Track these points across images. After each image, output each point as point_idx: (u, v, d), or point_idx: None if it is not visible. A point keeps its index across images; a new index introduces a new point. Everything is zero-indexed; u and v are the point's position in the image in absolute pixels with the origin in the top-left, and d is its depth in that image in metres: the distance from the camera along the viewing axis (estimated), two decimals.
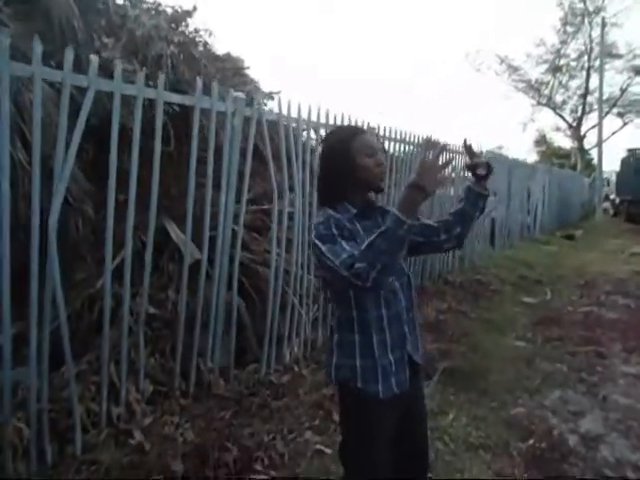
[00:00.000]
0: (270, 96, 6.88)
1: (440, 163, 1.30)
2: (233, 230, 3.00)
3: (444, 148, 1.35)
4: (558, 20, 23.90)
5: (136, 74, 3.70)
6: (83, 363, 2.55)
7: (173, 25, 4.89)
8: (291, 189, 3.46)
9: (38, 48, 2.08)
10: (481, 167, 1.60)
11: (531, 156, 27.34)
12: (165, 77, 2.48)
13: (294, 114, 3.30)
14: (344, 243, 1.36)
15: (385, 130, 4.47)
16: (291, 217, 3.46)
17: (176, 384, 2.85)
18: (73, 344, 2.76)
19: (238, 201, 2.98)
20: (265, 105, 6.89)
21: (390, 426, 1.53)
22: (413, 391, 1.59)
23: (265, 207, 3.69)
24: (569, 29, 24.05)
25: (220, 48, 6.75)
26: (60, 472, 2.22)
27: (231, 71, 6.47)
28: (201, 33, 6.11)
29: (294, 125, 3.26)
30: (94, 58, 2.17)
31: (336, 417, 2.83)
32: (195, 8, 4.97)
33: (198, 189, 2.83)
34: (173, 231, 3.38)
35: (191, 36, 6.14)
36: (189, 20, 5.02)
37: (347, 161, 1.47)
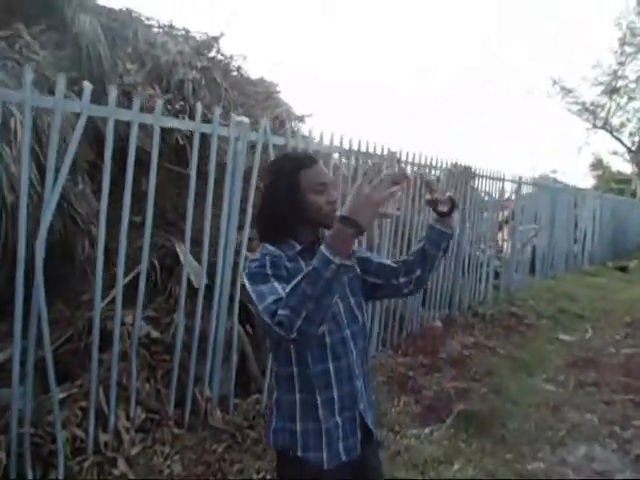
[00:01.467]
0: (301, 119, 6.93)
1: (380, 194, 1.08)
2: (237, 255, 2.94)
3: (391, 178, 1.09)
4: (616, 40, 22.92)
5: (155, 99, 3.81)
6: (75, 387, 2.53)
7: (204, 50, 5.02)
8: None
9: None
10: (443, 203, 1.44)
11: (587, 180, 26.02)
12: (161, 102, 2.54)
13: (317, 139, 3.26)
14: (276, 285, 1.20)
15: (408, 155, 4.32)
16: None
17: (170, 412, 2.79)
18: (72, 366, 2.79)
19: (241, 227, 2.92)
20: (296, 128, 6.96)
21: None
22: (365, 459, 1.40)
23: None
24: (628, 49, 23.00)
25: (254, 72, 6.86)
26: None
27: (263, 95, 6.55)
28: (235, 58, 6.27)
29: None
30: (87, 85, 2.18)
31: None
32: (222, 34, 5.07)
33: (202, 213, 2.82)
34: (182, 253, 3.37)
35: (225, 61, 6.32)
36: (218, 45, 5.13)
37: (295, 198, 1.32)
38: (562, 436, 3.02)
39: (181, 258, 3.31)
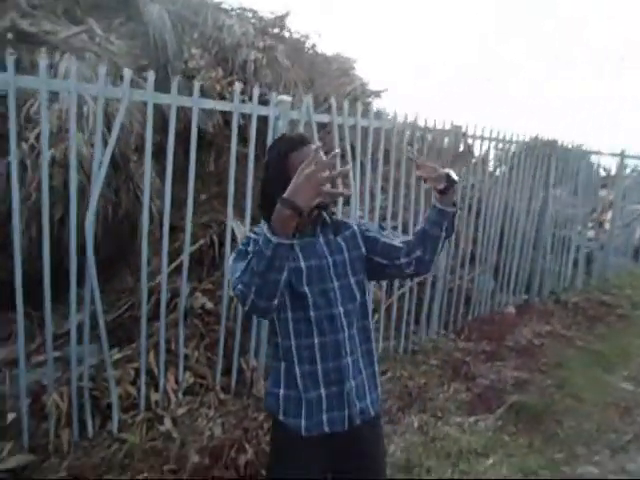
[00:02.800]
0: (378, 94, 6.76)
1: (325, 173, 1.07)
2: None
3: (335, 155, 1.10)
4: None
5: (220, 81, 3.94)
6: (130, 349, 2.80)
7: (271, 30, 5.08)
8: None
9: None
10: (436, 180, 1.35)
11: None
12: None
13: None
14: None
15: (476, 129, 4.03)
16: None
17: (217, 379, 2.97)
18: (133, 331, 3.08)
19: None
20: (370, 103, 6.81)
21: (317, 470, 1.39)
22: (359, 434, 1.40)
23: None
24: None
25: (331, 49, 6.80)
26: (95, 445, 2.48)
27: (338, 72, 6.49)
28: (308, 36, 6.26)
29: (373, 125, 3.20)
30: (127, 72, 2.33)
31: None
32: (288, 13, 5.07)
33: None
34: (238, 230, 3.53)
35: (295, 39, 6.34)
36: (285, 24, 5.14)
37: (283, 179, 1.29)
38: (627, 441, 2.72)
39: (236, 234, 3.48)
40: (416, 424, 2.85)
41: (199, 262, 3.67)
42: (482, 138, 4.09)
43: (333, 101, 3.04)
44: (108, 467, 2.35)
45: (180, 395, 2.82)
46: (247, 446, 2.57)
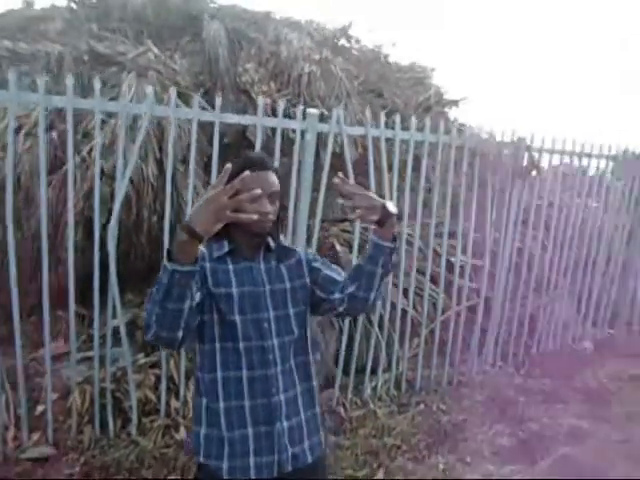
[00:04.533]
0: (455, 103, 6.43)
1: (221, 198, 0.99)
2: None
3: (242, 179, 1.01)
4: None
5: (268, 96, 3.98)
6: (155, 356, 2.89)
7: (336, 41, 5.05)
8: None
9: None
10: (370, 211, 1.18)
11: None
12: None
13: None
14: None
15: (544, 141, 3.61)
16: None
17: None
18: None
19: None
20: (447, 112, 6.48)
21: None
22: None
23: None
24: None
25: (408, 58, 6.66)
26: (112, 445, 2.59)
27: (411, 81, 6.29)
28: (381, 46, 6.15)
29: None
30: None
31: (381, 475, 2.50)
32: (350, 24, 5.00)
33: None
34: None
35: (375, 49, 6.24)
36: (348, 35, 5.08)
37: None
38: None
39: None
40: (441, 466, 2.59)
41: None
42: (552, 151, 3.66)
43: (368, 113, 2.90)
44: (117, 468, 2.43)
45: None
46: None
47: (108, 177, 3.21)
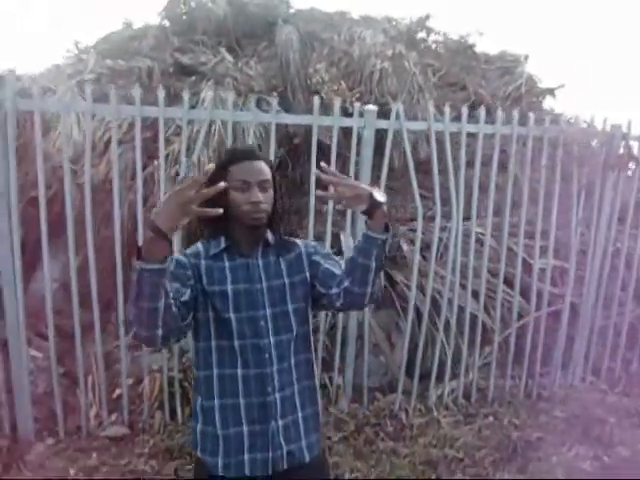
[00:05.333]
0: (550, 92, 5.95)
1: (184, 194, 0.98)
2: None
3: (207, 172, 0.99)
4: None
5: (342, 94, 3.98)
6: None
7: (414, 35, 4.90)
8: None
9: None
10: (356, 200, 1.11)
11: None
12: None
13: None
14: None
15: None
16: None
17: None
18: None
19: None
20: (541, 102, 6.01)
21: None
22: None
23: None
24: None
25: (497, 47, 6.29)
26: (179, 431, 2.75)
27: (499, 71, 5.93)
28: (467, 35, 5.87)
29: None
30: (209, 94, 2.53)
31: None
32: (428, 16, 4.80)
33: None
34: (346, 241, 3.50)
35: (461, 40, 5.99)
36: (427, 28, 4.89)
37: (220, 193, 1.25)
38: None
39: (342, 245, 3.45)
40: None
41: None
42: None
43: (430, 106, 2.77)
44: (179, 453, 2.57)
45: None
46: None
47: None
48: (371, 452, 2.64)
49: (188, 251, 1.30)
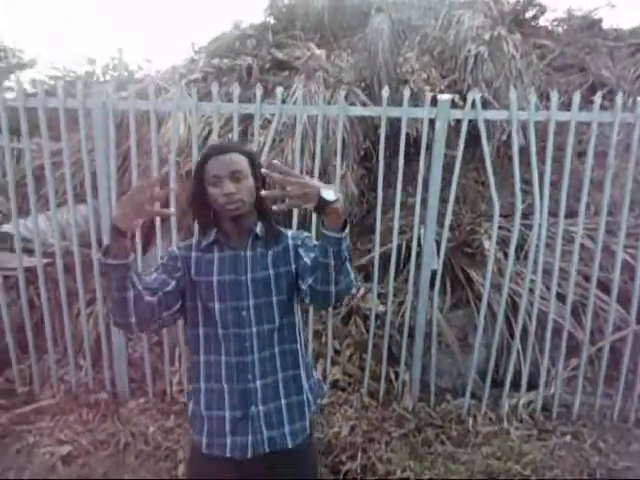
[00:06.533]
0: None
1: (138, 194, 1.04)
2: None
3: (165, 174, 1.03)
4: None
5: (432, 83, 3.86)
6: None
7: (520, 14, 4.50)
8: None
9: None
10: (304, 199, 1.08)
11: None
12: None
13: None
14: (153, 275, 1.29)
15: None
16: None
17: (365, 382, 2.99)
18: None
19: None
20: None
21: None
22: (272, 466, 1.30)
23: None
24: None
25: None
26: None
27: (631, 48, 5.22)
28: (592, 11, 5.28)
29: None
30: (279, 90, 2.60)
31: None
32: None
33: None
34: (422, 236, 3.40)
35: (586, 17, 5.43)
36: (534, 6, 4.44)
37: (198, 188, 1.31)
38: None
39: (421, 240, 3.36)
40: None
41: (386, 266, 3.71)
42: None
43: (512, 94, 2.54)
44: None
45: (326, 386, 2.99)
46: (359, 455, 2.55)
47: None
48: (428, 454, 2.57)
49: (181, 244, 1.40)
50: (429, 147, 2.71)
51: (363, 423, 2.79)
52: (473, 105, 2.55)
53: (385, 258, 3.71)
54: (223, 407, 1.31)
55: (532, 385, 2.86)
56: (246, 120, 3.57)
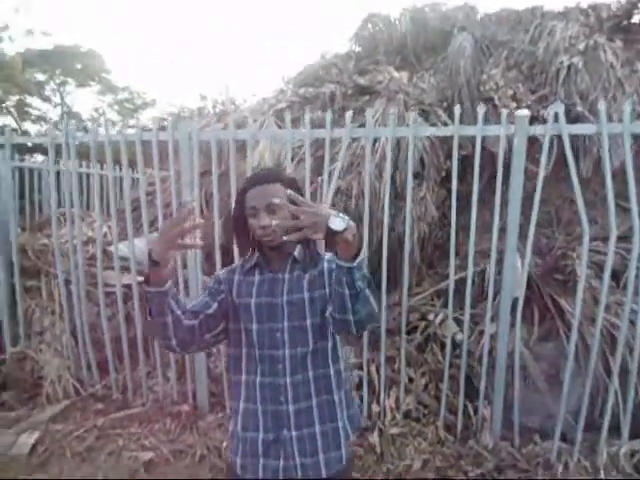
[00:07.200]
0: None
1: (170, 228, 1.08)
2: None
3: (187, 208, 1.05)
4: None
5: (519, 99, 3.69)
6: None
7: (621, 20, 4.11)
8: None
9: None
10: (313, 228, 1.04)
11: None
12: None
13: None
14: (199, 298, 1.34)
15: None
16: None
17: (441, 414, 2.84)
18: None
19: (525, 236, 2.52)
20: None
21: None
22: None
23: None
24: None
25: None
26: None
27: None
28: None
29: None
30: (348, 114, 2.63)
31: None
32: None
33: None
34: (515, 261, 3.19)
35: None
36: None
37: (239, 217, 1.34)
38: None
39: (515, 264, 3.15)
40: None
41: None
42: None
43: (601, 105, 2.32)
44: None
45: (398, 415, 2.88)
46: None
47: (343, 194, 3.66)
48: None
49: (228, 268, 1.44)
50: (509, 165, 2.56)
51: (437, 458, 2.65)
52: (556, 119, 2.37)
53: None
54: (257, 428, 1.32)
55: (636, 431, 2.50)
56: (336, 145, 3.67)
